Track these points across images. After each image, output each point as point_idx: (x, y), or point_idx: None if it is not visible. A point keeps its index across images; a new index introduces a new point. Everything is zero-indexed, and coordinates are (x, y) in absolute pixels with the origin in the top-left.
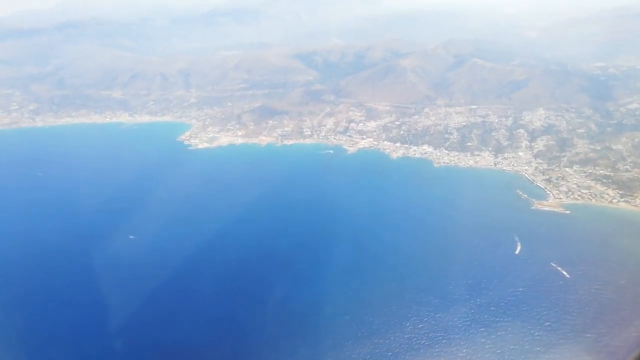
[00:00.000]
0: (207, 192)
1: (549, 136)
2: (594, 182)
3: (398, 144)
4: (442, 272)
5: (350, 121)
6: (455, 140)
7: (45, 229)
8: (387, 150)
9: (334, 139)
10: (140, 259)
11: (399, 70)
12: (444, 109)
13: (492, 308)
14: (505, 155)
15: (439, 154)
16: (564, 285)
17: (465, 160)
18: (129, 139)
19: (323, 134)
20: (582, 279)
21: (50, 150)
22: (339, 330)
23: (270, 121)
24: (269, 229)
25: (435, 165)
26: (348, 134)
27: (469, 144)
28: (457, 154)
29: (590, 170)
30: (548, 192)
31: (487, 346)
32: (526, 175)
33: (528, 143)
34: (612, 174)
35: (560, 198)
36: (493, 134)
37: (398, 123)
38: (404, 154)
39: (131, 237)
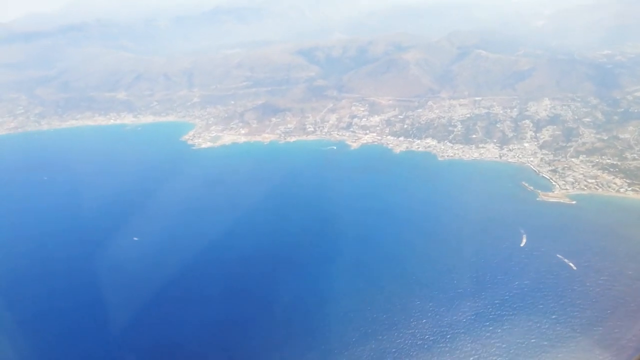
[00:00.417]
0: (209, 192)
1: (554, 126)
2: (601, 171)
3: (401, 138)
4: (447, 266)
5: (353, 116)
6: (459, 133)
7: (50, 232)
8: (390, 145)
9: (337, 134)
10: (144, 260)
11: (402, 63)
12: (448, 102)
13: (497, 302)
14: (511, 146)
15: (443, 147)
16: (570, 277)
17: (469, 153)
18: (132, 141)
19: (326, 130)
20: (589, 271)
21: (56, 154)
22: (343, 326)
23: (273, 119)
24: (273, 228)
25: (440, 158)
26: (351, 129)
27: (474, 136)
28: (461, 146)
29: (597, 160)
30: (554, 182)
31: (492, 341)
32: (532, 166)
33: (533, 134)
34: (619, 163)
35: (567, 189)
36: (498, 125)
37: (401, 117)
38: (407, 148)
39: (135, 238)
